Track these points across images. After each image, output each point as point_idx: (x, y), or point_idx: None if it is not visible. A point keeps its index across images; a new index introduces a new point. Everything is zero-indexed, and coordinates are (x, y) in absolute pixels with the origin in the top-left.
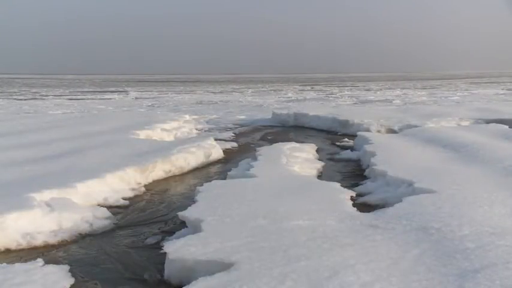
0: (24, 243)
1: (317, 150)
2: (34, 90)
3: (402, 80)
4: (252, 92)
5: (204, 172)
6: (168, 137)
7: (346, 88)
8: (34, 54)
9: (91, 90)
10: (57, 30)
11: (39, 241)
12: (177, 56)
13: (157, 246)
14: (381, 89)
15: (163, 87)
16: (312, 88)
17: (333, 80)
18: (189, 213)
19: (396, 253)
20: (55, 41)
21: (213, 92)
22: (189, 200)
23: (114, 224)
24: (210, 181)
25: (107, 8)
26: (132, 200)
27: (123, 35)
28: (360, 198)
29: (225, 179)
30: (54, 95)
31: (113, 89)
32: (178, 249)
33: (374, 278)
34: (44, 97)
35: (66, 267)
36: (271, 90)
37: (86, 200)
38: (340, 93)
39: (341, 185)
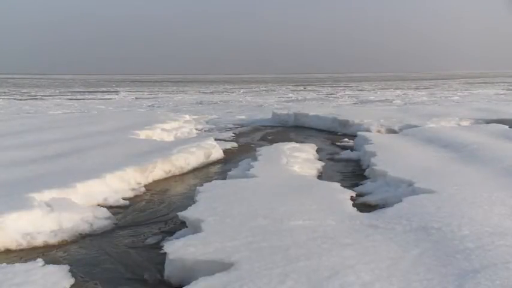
0: (24, 243)
1: (317, 150)
2: (24, 91)
3: (397, 80)
4: (244, 92)
5: (204, 172)
6: (168, 137)
7: (340, 88)
8: (28, 54)
9: (81, 90)
10: (50, 30)
11: (39, 241)
12: (175, 56)
13: (157, 246)
14: (374, 89)
15: (155, 87)
16: (305, 88)
17: (327, 80)
18: (189, 213)
19: (396, 253)
20: (49, 41)
21: (204, 92)
22: (189, 200)
23: (114, 224)
24: (210, 181)
25: (103, 8)
26: (132, 200)
27: (121, 35)
28: (360, 198)
29: (225, 179)
30: (44, 95)
31: (103, 89)
32: (178, 249)
33: (374, 278)
34: (33, 97)
35: (66, 267)
36: (263, 90)
37: (86, 200)
38: (340, 93)
39: (341, 185)
